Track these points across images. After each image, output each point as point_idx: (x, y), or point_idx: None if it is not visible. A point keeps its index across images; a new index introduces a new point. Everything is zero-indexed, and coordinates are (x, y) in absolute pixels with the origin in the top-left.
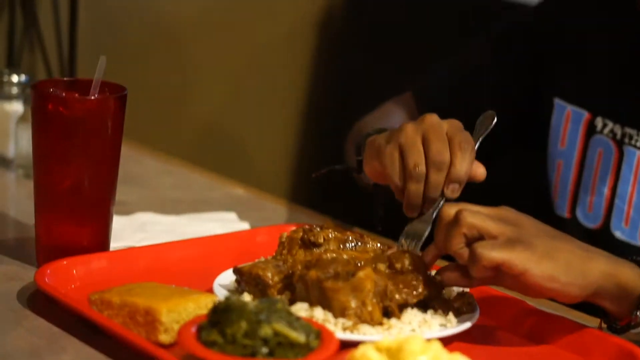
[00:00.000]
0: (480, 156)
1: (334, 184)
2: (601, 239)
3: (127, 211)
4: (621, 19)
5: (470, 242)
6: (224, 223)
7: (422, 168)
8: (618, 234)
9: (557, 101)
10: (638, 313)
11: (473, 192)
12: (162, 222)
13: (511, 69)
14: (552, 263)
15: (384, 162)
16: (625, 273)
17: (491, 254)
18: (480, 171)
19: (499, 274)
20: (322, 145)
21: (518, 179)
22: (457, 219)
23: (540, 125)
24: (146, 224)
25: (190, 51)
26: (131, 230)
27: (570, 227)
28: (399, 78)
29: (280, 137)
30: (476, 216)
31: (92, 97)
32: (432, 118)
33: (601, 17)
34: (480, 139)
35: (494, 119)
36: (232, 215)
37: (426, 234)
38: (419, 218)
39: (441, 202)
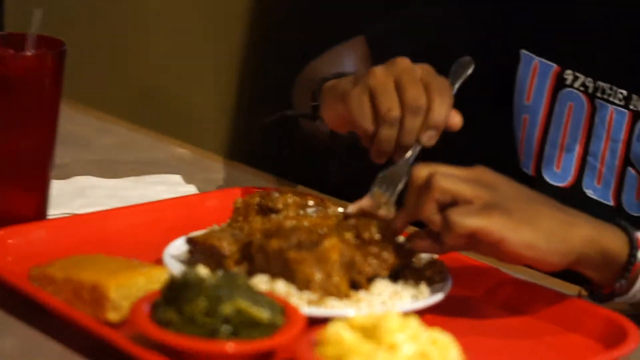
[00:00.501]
0: None
1: (274, 141)
2: (571, 197)
3: (65, 175)
4: None
5: (443, 207)
6: (169, 186)
7: (396, 112)
8: (589, 192)
9: (524, 53)
10: (623, 282)
11: (437, 150)
12: (103, 186)
13: (473, 23)
14: (531, 230)
15: (350, 106)
16: (609, 239)
17: (466, 221)
18: (457, 119)
19: (474, 240)
20: (262, 102)
21: (483, 135)
22: (428, 182)
23: (506, 78)
24: (86, 189)
25: (128, 7)
26: (69, 196)
27: (536, 186)
28: (340, 34)
29: (220, 94)
30: (449, 180)
31: (29, 53)
32: (404, 62)
33: None
34: (457, 86)
35: (471, 65)
36: (177, 178)
37: (401, 184)
38: (392, 166)
39: (417, 150)
